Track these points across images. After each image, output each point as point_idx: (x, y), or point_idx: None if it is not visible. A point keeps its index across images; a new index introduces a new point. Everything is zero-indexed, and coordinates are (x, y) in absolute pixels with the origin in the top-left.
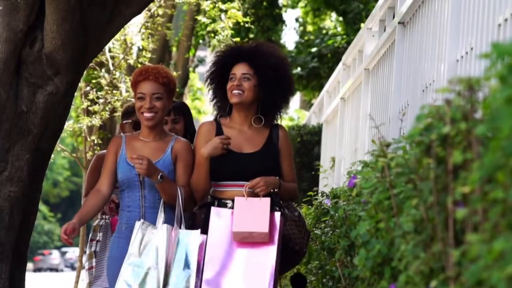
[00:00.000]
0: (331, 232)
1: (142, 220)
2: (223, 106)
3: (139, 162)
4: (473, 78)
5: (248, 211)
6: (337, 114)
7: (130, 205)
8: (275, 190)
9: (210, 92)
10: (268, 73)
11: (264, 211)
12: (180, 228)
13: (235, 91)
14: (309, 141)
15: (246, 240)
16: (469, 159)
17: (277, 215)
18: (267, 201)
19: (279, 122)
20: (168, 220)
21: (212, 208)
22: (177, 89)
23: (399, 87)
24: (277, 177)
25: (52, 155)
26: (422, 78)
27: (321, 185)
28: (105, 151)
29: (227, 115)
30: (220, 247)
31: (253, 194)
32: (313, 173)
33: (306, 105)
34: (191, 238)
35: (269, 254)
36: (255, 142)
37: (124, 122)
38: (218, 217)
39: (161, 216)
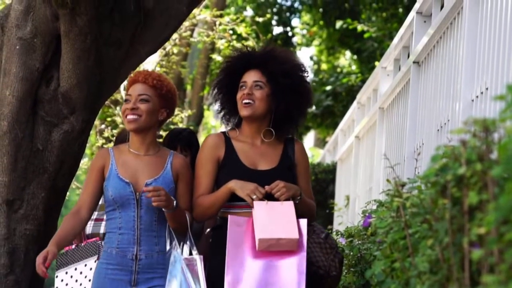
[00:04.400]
0: (345, 271)
1: (181, 248)
2: (232, 118)
3: (156, 194)
4: (488, 119)
5: (271, 216)
6: (351, 153)
7: (122, 226)
8: (296, 201)
9: (218, 102)
10: (282, 81)
11: (290, 216)
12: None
13: (246, 101)
14: (323, 179)
15: (272, 248)
16: (485, 200)
17: (303, 221)
18: (290, 204)
19: (295, 135)
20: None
21: (229, 216)
22: (191, 127)
23: (414, 127)
24: (298, 187)
25: (67, 193)
26: (437, 118)
27: (336, 224)
28: None
29: (236, 127)
30: (242, 261)
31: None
32: (327, 211)
33: (320, 143)
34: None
35: (298, 262)
36: (270, 158)
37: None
38: (236, 226)
39: (169, 244)
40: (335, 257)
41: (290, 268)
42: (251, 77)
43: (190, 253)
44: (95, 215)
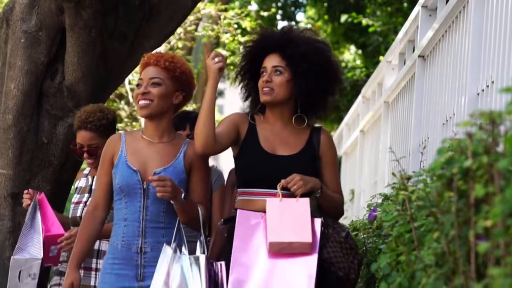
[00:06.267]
0: None
1: (174, 246)
2: (259, 104)
3: (162, 184)
4: (494, 112)
5: (284, 215)
6: (356, 147)
7: (128, 217)
8: (316, 194)
9: (242, 90)
10: (301, 65)
11: (304, 216)
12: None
13: (265, 88)
14: None
15: (284, 251)
16: (491, 192)
17: (317, 221)
18: (305, 202)
19: (323, 121)
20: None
21: (239, 211)
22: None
23: (419, 120)
24: (318, 180)
25: (72, 186)
26: (442, 112)
27: (341, 218)
28: None
29: (260, 112)
30: (249, 260)
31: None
32: None
33: None
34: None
35: (308, 265)
36: (293, 144)
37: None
38: (245, 222)
39: (175, 240)
40: (355, 259)
41: (300, 271)
42: (270, 62)
43: (203, 252)
44: (76, 198)
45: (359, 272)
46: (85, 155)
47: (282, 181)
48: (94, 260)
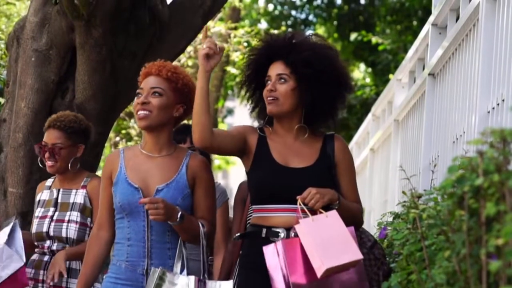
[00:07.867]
0: None
1: (161, 268)
2: (264, 115)
3: (153, 207)
4: (506, 130)
5: (322, 235)
6: (366, 165)
7: (131, 237)
8: (335, 206)
9: (249, 102)
10: (306, 71)
11: (343, 231)
12: (204, 275)
13: (269, 98)
14: None
15: (335, 271)
16: (502, 211)
17: (351, 229)
18: (335, 215)
19: (333, 128)
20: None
21: (276, 244)
22: None
23: (429, 139)
24: (334, 191)
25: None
26: (452, 130)
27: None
28: None
29: (268, 124)
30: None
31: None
32: None
33: None
34: None
35: (357, 271)
36: (306, 155)
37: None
38: (274, 256)
39: (179, 260)
40: (379, 270)
41: (351, 279)
42: (274, 70)
43: (203, 275)
44: (40, 212)
45: (380, 282)
46: (46, 154)
47: (299, 197)
48: (64, 279)
